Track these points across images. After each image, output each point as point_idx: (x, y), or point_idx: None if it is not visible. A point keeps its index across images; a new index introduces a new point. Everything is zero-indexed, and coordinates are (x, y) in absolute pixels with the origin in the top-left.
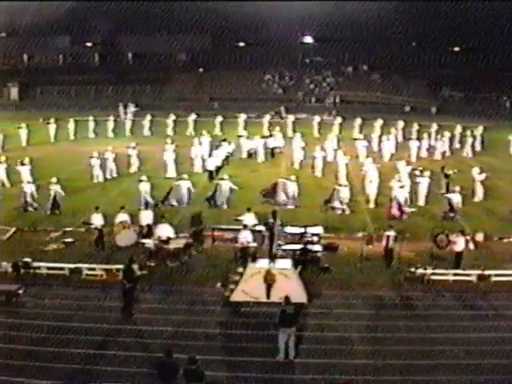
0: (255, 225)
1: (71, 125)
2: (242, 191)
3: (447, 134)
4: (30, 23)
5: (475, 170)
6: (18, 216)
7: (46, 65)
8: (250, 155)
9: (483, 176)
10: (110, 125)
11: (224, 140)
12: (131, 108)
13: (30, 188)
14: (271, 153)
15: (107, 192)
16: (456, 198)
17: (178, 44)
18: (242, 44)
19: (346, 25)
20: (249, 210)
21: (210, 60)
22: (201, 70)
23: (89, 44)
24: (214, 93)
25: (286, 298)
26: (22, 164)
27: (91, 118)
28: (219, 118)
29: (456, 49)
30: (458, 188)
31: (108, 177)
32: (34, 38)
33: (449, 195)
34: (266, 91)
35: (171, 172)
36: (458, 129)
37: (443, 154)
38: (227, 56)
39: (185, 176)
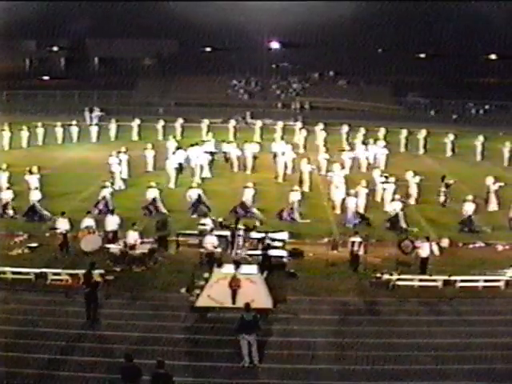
0: (212, 229)
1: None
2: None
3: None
4: None
5: (489, 180)
6: None
7: (12, 69)
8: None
9: (497, 185)
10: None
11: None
12: (96, 112)
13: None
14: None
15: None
16: (397, 207)
17: (144, 49)
18: (208, 49)
19: (312, 31)
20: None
21: (176, 65)
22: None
23: (55, 48)
24: (180, 98)
25: (247, 305)
26: (31, 173)
27: (58, 123)
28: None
29: (422, 55)
30: (398, 196)
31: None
32: None
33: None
34: (232, 96)
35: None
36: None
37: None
38: (193, 61)
39: (152, 184)
